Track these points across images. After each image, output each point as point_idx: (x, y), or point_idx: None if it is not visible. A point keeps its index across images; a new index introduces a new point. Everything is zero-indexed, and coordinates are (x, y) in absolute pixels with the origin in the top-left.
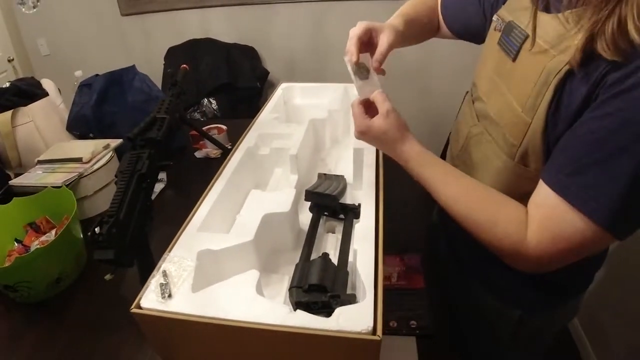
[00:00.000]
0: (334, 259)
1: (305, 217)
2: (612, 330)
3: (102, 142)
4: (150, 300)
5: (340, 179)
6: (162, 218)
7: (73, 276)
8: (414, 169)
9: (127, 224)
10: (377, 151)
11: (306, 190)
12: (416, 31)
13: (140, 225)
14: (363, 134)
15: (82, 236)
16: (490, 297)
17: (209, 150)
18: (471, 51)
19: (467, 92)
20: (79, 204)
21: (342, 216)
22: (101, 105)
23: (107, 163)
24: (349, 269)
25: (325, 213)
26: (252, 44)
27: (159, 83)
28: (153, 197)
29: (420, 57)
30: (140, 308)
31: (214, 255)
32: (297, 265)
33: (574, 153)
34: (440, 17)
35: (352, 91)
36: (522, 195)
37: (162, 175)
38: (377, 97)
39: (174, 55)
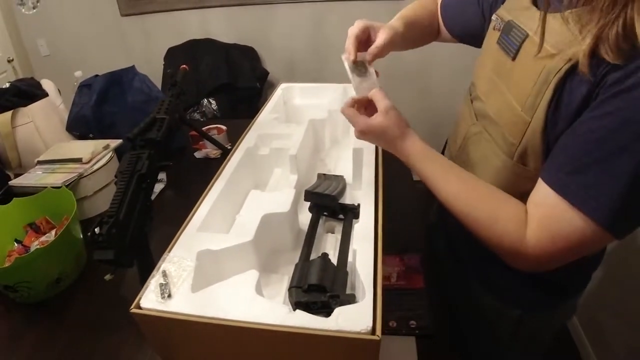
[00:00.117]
0: (334, 259)
1: (305, 217)
2: (612, 330)
3: (101, 143)
4: (150, 300)
5: (339, 179)
6: (161, 218)
7: (73, 276)
8: (415, 165)
9: (126, 224)
10: (377, 151)
11: (306, 191)
12: (416, 34)
13: (140, 225)
14: (364, 134)
15: (81, 236)
16: (489, 297)
17: (209, 150)
18: (471, 52)
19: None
20: (78, 204)
21: (341, 216)
22: (101, 106)
23: (106, 163)
24: (348, 269)
25: (325, 213)
26: (252, 44)
27: (158, 83)
28: (153, 197)
29: (420, 57)
30: (140, 308)
31: (214, 255)
32: (296, 265)
33: (574, 152)
34: (440, 20)
35: (351, 91)
36: (521, 195)
37: (162, 176)
38: (375, 95)
39: (173, 55)
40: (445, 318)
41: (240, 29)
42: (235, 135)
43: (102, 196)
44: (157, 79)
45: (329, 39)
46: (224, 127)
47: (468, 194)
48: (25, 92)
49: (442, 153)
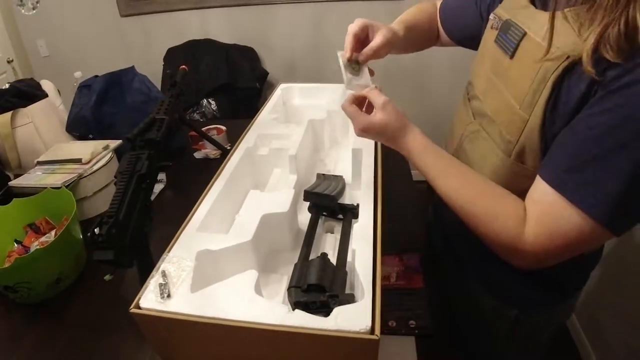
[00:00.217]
0: (333, 259)
1: (304, 217)
2: (612, 329)
3: (101, 143)
4: (149, 300)
5: (339, 179)
6: (161, 218)
7: (73, 277)
8: (415, 160)
9: (126, 224)
10: (376, 151)
11: (305, 191)
12: (416, 38)
13: (140, 225)
14: (365, 131)
15: (81, 237)
16: (487, 296)
17: (209, 150)
18: (469, 51)
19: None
20: (78, 204)
21: (340, 216)
22: (100, 106)
23: (106, 164)
24: (347, 268)
25: (324, 213)
26: (252, 44)
27: (158, 84)
28: (152, 197)
29: (418, 57)
30: (140, 308)
31: (213, 255)
32: (295, 265)
33: (572, 149)
34: (439, 24)
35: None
36: (519, 193)
37: (162, 176)
38: (371, 93)
39: (173, 56)
40: (445, 318)
41: (240, 29)
42: (235, 136)
43: (101, 197)
44: (156, 80)
45: (329, 39)
46: (223, 128)
47: (468, 190)
48: (25, 93)
49: None
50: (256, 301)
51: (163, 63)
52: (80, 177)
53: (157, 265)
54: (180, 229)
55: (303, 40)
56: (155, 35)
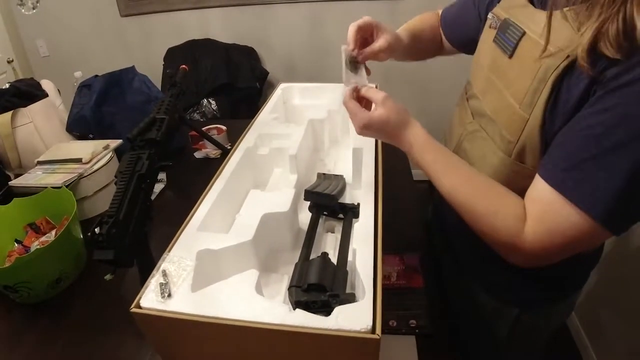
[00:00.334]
0: (333, 258)
1: (305, 216)
2: (612, 329)
3: (101, 143)
4: (150, 299)
5: (339, 178)
6: (161, 218)
7: (73, 276)
8: (416, 156)
9: (126, 224)
10: (376, 151)
11: (305, 190)
12: (419, 46)
13: (140, 225)
14: (366, 128)
15: (82, 236)
16: (487, 296)
17: (209, 150)
18: None
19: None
20: (78, 204)
21: (341, 216)
22: (101, 106)
23: (106, 164)
24: (348, 268)
25: (325, 213)
26: (252, 44)
27: (158, 84)
28: (153, 197)
29: None
30: (140, 308)
31: (214, 255)
32: (296, 264)
33: (572, 148)
34: (441, 31)
35: None
36: (519, 192)
37: (162, 176)
38: (368, 91)
39: (173, 55)
40: (445, 317)
41: (240, 29)
42: (235, 135)
43: (102, 196)
44: (156, 79)
45: (329, 39)
46: (223, 127)
47: (468, 187)
48: (25, 93)
49: None
50: (257, 301)
51: (163, 63)
52: (81, 176)
53: (158, 265)
54: (181, 228)
55: (303, 40)
56: (155, 35)
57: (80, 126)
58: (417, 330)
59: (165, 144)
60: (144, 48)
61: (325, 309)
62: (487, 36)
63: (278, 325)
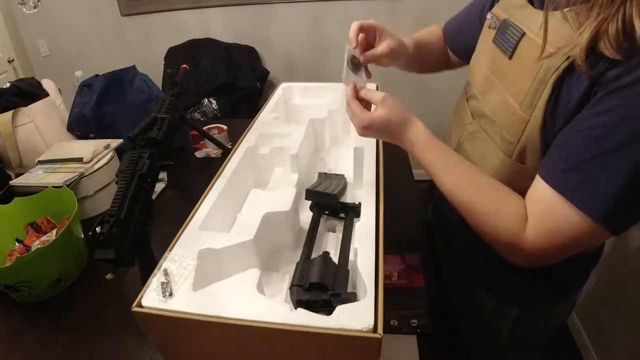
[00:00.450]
0: (335, 257)
1: (306, 216)
2: (613, 328)
3: (102, 142)
4: (151, 298)
5: (340, 178)
6: (162, 217)
7: (74, 276)
8: (418, 154)
9: (128, 223)
10: (377, 150)
11: (306, 190)
12: (425, 56)
13: (141, 224)
14: (366, 129)
15: (82, 236)
16: (488, 296)
17: (210, 150)
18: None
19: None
20: (79, 203)
21: (342, 215)
22: (101, 106)
23: (107, 163)
24: (349, 267)
25: (326, 212)
26: (252, 43)
27: (159, 83)
28: (154, 196)
29: None
30: (142, 307)
31: (215, 254)
32: (297, 263)
33: (572, 149)
34: (446, 43)
35: None
36: (519, 193)
37: (163, 175)
38: (367, 92)
39: (174, 55)
40: (446, 317)
41: (240, 28)
42: (236, 135)
43: (103, 196)
44: (157, 79)
45: (329, 38)
46: (224, 127)
47: (470, 186)
48: (26, 92)
49: None
50: (258, 300)
51: (164, 62)
52: (82, 176)
53: (159, 264)
54: (182, 227)
55: (304, 40)
56: (155, 34)
57: (81, 125)
58: (418, 330)
59: (166, 143)
60: (145, 47)
61: (326, 308)
62: (486, 36)
63: (279, 324)
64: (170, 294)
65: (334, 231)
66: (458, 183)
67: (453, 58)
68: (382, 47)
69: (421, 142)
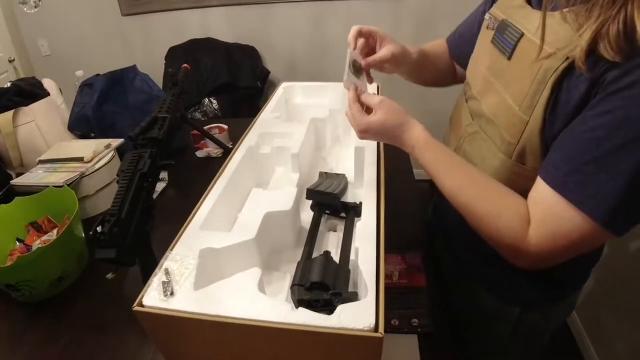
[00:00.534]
0: (336, 257)
1: (307, 215)
2: (613, 327)
3: (103, 142)
4: (152, 298)
5: (341, 177)
6: (163, 217)
7: (75, 275)
8: (418, 156)
9: (128, 222)
10: (378, 149)
11: (307, 189)
12: (429, 65)
13: (142, 224)
14: (364, 132)
15: (83, 235)
16: (488, 296)
17: (210, 149)
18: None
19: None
20: (80, 203)
21: (343, 214)
22: (102, 105)
23: (108, 162)
24: (350, 267)
25: (327, 211)
26: (253, 43)
27: (159, 83)
28: (155, 196)
29: None
30: (143, 306)
31: (216, 253)
32: (298, 263)
33: (573, 151)
34: (450, 55)
35: None
36: (520, 194)
37: (164, 175)
38: (366, 97)
39: (174, 55)
40: (447, 316)
41: (241, 28)
42: (237, 134)
43: (103, 195)
44: (158, 78)
45: (330, 38)
46: (225, 126)
47: (471, 188)
48: (27, 92)
49: None
50: (259, 299)
51: (164, 62)
52: (82, 175)
53: (160, 263)
54: (183, 227)
55: (304, 39)
56: (156, 34)
57: (82, 125)
58: (419, 329)
59: (167, 142)
60: (145, 47)
61: (327, 308)
62: (485, 37)
63: (280, 323)
64: (172, 293)
65: (334, 230)
66: (459, 185)
67: (460, 71)
68: (383, 52)
69: (421, 144)
